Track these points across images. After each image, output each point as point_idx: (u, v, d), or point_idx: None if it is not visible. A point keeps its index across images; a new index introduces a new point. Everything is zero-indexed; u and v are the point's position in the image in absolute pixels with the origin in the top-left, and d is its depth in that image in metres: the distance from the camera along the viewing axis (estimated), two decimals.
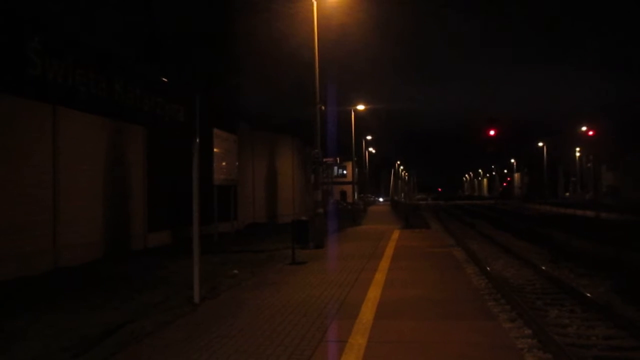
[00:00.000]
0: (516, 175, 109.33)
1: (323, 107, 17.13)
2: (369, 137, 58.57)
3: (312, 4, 15.64)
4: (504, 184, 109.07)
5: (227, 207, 17.58)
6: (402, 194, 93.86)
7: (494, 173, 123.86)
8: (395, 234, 19.46)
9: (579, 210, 40.43)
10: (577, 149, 76.78)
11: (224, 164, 16.47)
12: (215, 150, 15.70)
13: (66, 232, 11.71)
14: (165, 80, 7.25)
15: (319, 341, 5.81)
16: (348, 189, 61.17)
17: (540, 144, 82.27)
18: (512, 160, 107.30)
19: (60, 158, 11.70)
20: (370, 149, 67.00)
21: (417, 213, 39.62)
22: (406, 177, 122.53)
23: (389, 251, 14.03)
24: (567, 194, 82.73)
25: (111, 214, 13.73)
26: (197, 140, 7.94)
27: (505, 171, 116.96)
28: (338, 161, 37.21)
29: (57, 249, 11.42)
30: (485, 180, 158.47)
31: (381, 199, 77.29)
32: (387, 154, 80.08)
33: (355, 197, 46.81)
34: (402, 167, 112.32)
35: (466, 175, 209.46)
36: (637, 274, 11.08)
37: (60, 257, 11.42)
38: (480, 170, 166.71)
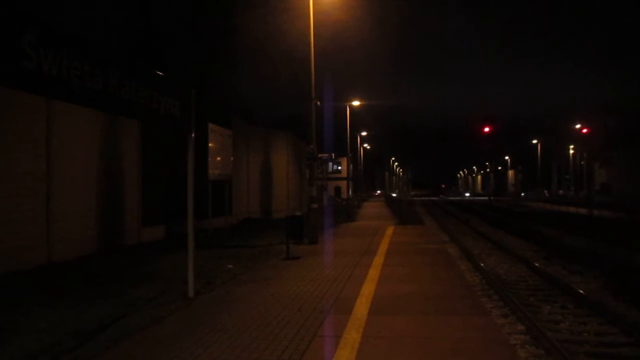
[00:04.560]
0: (510, 172, 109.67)
1: (319, 103, 17.10)
2: (364, 133, 58.65)
3: (308, 0, 15.59)
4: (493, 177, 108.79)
5: (221, 202, 17.56)
6: (397, 190, 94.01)
7: (488, 170, 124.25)
8: (390, 230, 19.51)
9: (572, 207, 40.66)
10: (571, 146, 77.16)
11: (218, 158, 16.43)
12: (210, 145, 15.66)
13: (59, 227, 11.66)
14: (161, 74, 7.22)
15: (313, 336, 5.83)
16: (343, 184, 61.19)
17: (535, 141, 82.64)
18: (507, 157, 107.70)
19: (54, 152, 11.63)
20: (366, 145, 67.12)
21: (411, 209, 39.69)
22: (401, 174, 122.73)
23: (383, 247, 14.06)
24: (561, 191, 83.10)
25: (105, 209, 13.68)
26: (192, 135, 7.92)
27: (500, 168, 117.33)
28: (333, 157, 37.23)
29: (51, 243, 11.37)
30: (479, 177, 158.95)
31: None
32: (382, 150, 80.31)
33: (350, 192, 46.82)
34: (396, 164, 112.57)
35: (460, 172, 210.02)
36: (628, 271, 11.18)
37: (53, 251, 11.38)
38: (474, 167, 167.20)
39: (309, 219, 15.11)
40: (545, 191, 79.89)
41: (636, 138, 54.75)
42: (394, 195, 73.66)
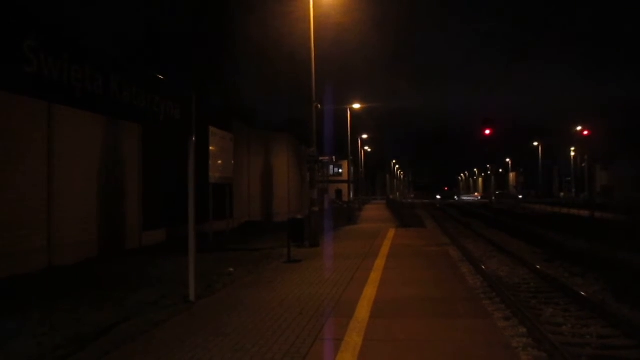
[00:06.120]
0: (511, 175, 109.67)
1: (319, 106, 17.12)
2: (365, 136, 58.70)
3: (308, 3, 15.62)
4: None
5: (222, 205, 17.54)
6: (398, 193, 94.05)
7: (489, 173, 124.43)
8: (391, 233, 19.49)
9: (573, 209, 40.60)
10: (572, 148, 77.14)
11: (219, 162, 16.41)
12: (211, 148, 15.64)
13: (60, 231, 11.65)
14: (162, 77, 7.23)
15: (315, 339, 5.82)
16: (344, 187, 61.20)
17: (536, 144, 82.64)
18: (508, 160, 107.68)
19: (55, 156, 11.64)
20: (367, 148, 67.15)
21: (412, 212, 39.70)
22: (402, 176, 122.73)
23: (385, 250, 14.04)
24: (562, 193, 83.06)
25: (106, 213, 13.67)
26: (193, 138, 7.92)
27: (501, 170, 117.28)
28: (334, 160, 37.24)
29: (52, 247, 11.36)
30: (480, 179, 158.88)
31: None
32: (383, 153, 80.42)
33: (351, 195, 46.78)
34: (397, 166, 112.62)
35: (461, 175, 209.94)
36: (630, 273, 11.15)
37: (54, 255, 11.37)
38: (475, 170, 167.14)
39: (310, 222, 15.10)
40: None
41: (638, 139, 54.68)
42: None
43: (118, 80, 6.06)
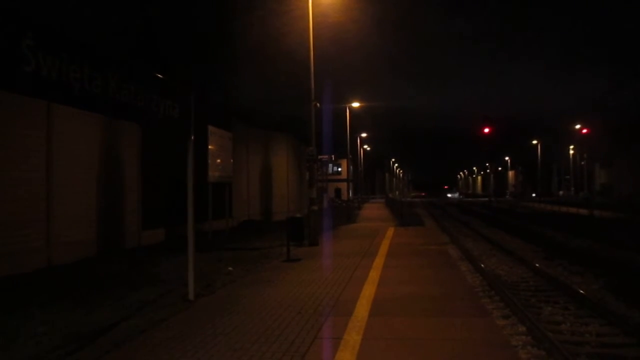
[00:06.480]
0: (510, 173, 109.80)
1: (318, 105, 17.12)
2: (364, 135, 58.73)
3: (307, 1, 15.61)
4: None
5: (221, 204, 17.54)
6: (397, 192, 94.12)
7: (488, 171, 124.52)
8: (390, 232, 19.50)
9: (572, 208, 40.65)
10: (571, 147, 77.23)
11: (218, 161, 16.41)
12: (210, 147, 15.64)
13: (59, 230, 11.65)
14: (160, 76, 7.22)
15: (314, 338, 5.82)
16: (343, 186, 61.31)
17: (535, 142, 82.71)
18: (507, 158, 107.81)
19: (54, 155, 11.63)
20: (366, 147, 67.20)
21: (411, 210, 39.70)
22: (401, 175, 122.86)
23: (384, 249, 14.05)
24: (561, 192, 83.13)
25: (105, 212, 13.67)
26: (192, 138, 7.92)
27: (500, 168, 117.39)
28: (333, 158, 37.27)
29: (51, 246, 11.36)
30: (479, 178, 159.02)
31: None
32: (382, 151, 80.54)
33: (351, 194, 46.77)
34: (396, 165, 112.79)
35: (460, 173, 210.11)
36: (629, 271, 11.16)
37: (53, 255, 11.36)
38: (474, 168, 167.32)
39: (310, 220, 15.11)
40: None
41: (637, 138, 54.73)
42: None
43: (117, 79, 6.05)
